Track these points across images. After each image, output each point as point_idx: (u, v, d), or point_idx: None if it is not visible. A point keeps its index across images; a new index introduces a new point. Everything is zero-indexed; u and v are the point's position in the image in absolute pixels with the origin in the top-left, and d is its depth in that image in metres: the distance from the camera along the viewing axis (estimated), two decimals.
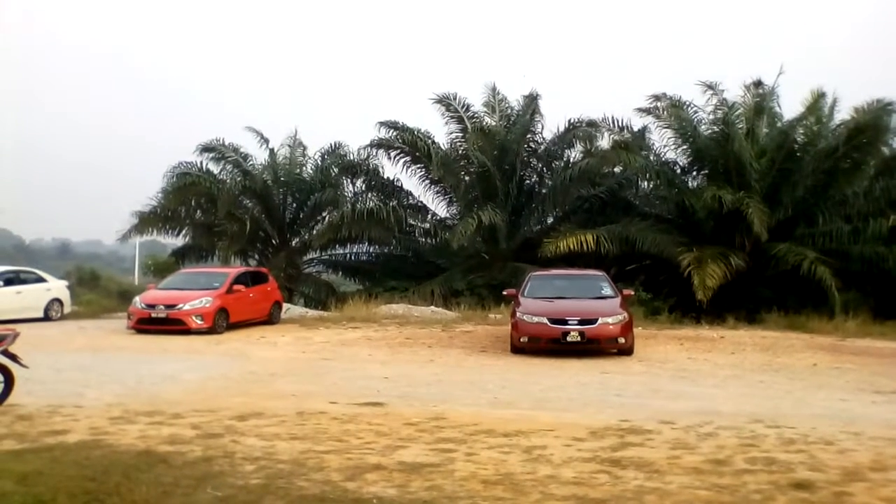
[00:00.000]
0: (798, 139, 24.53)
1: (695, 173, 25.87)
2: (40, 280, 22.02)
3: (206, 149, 28.03)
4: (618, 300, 15.24)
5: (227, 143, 28.43)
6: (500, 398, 10.28)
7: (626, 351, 14.48)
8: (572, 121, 26.42)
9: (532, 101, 26.71)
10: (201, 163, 27.77)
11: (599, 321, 14.20)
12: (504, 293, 17.38)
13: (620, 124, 25.72)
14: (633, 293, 17.26)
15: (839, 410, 9.68)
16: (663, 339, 16.72)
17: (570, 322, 14.16)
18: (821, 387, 11.75)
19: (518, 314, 14.77)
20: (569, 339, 14.07)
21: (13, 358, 9.01)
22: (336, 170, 28.27)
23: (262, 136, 28.94)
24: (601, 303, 15.12)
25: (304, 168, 29.40)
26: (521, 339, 14.50)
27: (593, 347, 14.32)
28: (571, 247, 22.36)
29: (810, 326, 19.03)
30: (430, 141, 26.91)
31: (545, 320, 14.26)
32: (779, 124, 25.17)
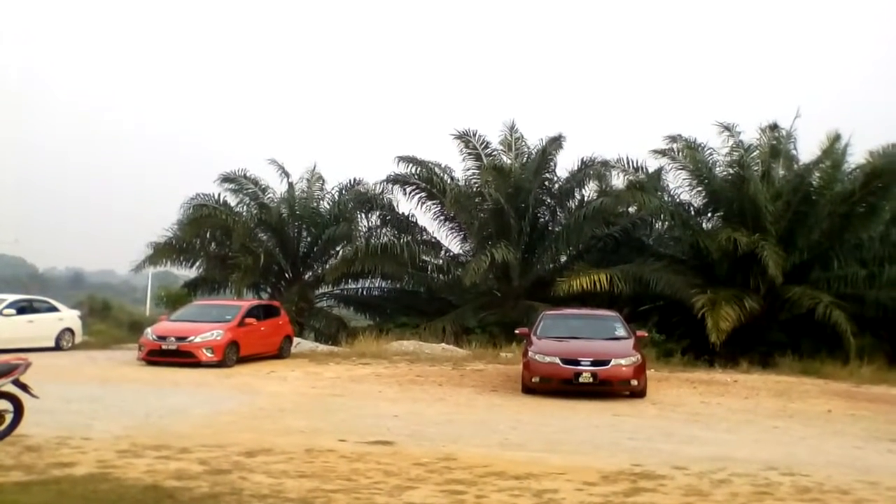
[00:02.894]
0: (814, 182, 24.44)
1: (710, 215, 25.81)
2: (53, 309, 22.10)
3: (226, 179, 28.31)
4: (631, 341, 15.11)
5: (247, 175, 28.69)
6: (510, 439, 10.17)
7: (639, 393, 14.32)
8: (585, 160, 26.52)
9: (553, 141, 26.76)
10: (218, 195, 28.02)
11: (612, 363, 14.06)
12: (516, 332, 17.27)
13: (635, 165, 25.74)
14: (646, 335, 17.12)
15: (854, 459, 9.53)
16: (676, 382, 16.56)
17: (582, 363, 14.03)
18: (836, 434, 11.58)
19: (530, 354, 14.65)
20: (581, 380, 13.93)
21: (24, 388, 8.98)
22: (352, 204, 28.37)
23: (283, 170, 29.21)
24: (614, 344, 15.00)
25: (321, 202, 29.55)
26: (533, 379, 14.37)
27: (605, 389, 14.16)
28: (585, 286, 22.32)
29: (825, 372, 18.81)
30: (445, 177, 27.07)
31: (557, 360, 14.14)
32: (795, 167, 25.07)
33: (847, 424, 12.54)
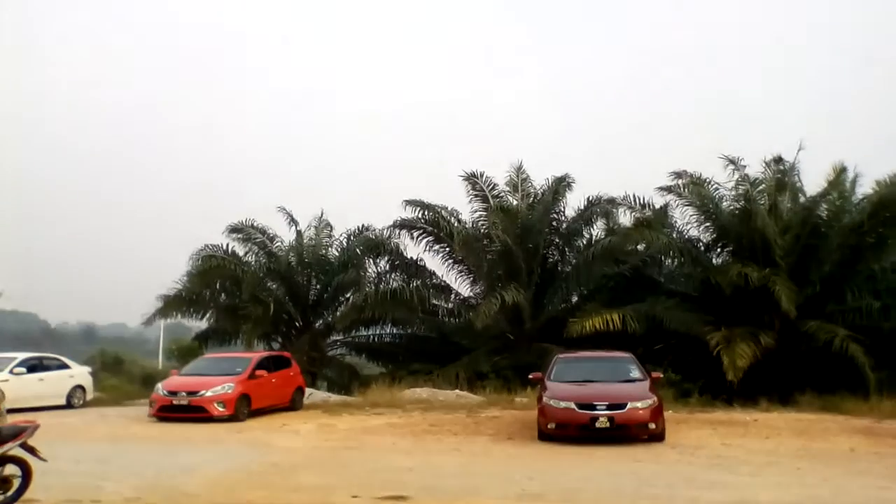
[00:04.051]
0: (822, 215, 24.33)
1: (719, 250, 25.67)
2: (63, 366, 22.03)
3: (234, 229, 28.37)
4: (647, 383, 14.88)
5: (255, 225, 28.79)
6: (528, 490, 9.96)
7: (658, 437, 14.04)
8: (591, 198, 26.52)
9: (560, 181, 26.79)
10: (227, 245, 28.10)
11: (629, 406, 13.82)
12: (530, 377, 17.05)
13: (642, 202, 25.72)
14: (661, 375, 16.86)
15: (880, 500, 9.31)
16: (695, 424, 16.28)
17: (598, 407, 13.78)
18: (860, 473, 11.36)
19: (545, 399, 14.43)
20: (598, 424, 13.67)
21: (32, 451, 8.92)
22: (360, 250, 28.36)
23: (291, 218, 29.23)
24: (630, 386, 14.77)
25: (330, 249, 29.56)
26: (549, 426, 14.13)
27: (623, 434, 13.89)
28: (598, 326, 22.15)
29: (845, 407, 18.49)
30: (453, 220, 27.07)
31: (573, 405, 13.89)
32: (802, 199, 24.99)
33: (871, 463, 12.31)
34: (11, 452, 8.79)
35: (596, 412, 13.75)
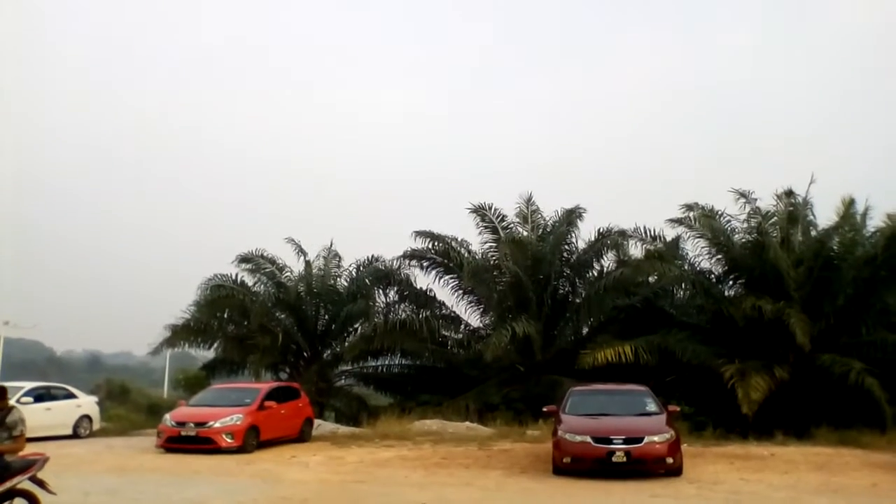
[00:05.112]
0: (834, 247, 24.18)
1: (731, 282, 25.44)
2: (70, 396, 21.89)
3: (243, 259, 28.32)
4: (663, 417, 14.65)
5: (264, 255, 28.73)
6: None
7: (675, 471, 13.78)
8: (602, 230, 26.36)
9: (571, 213, 26.73)
10: (236, 275, 28.02)
11: (645, 440, 13.58)
12: (544, 409, 16.82)
13: (652, 234, 25.64)
14: (678, 409, 16.60)
15: None
16: (711, 458, 16.00)
17: (614, 441, 13.54)
18: None
19: (559, 432, 14.19)
20: (614, 459, 13.42)
21: (41, 484, 8.81)
22: (369, 281, 28.22)
23: (300, 248, 29.16)
24: (646, 420, 14.54)
25: (339, 279, 29.45)
26: (564, 460, 13.88)
27: (640, 468, 13.62)
28: (609, 358, 21.93)
29: (863, 441, 18.18)
30: (462, 250, 26.97)
31: (588, 439, 13.66)
32: (813, 232, 24.86)
33: (894, 499, 12.03)
34: (21, 486, 8.67)
35: (612, 446, 13.52)
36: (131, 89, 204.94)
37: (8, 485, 8.55)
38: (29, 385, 21.07)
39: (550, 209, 27.70)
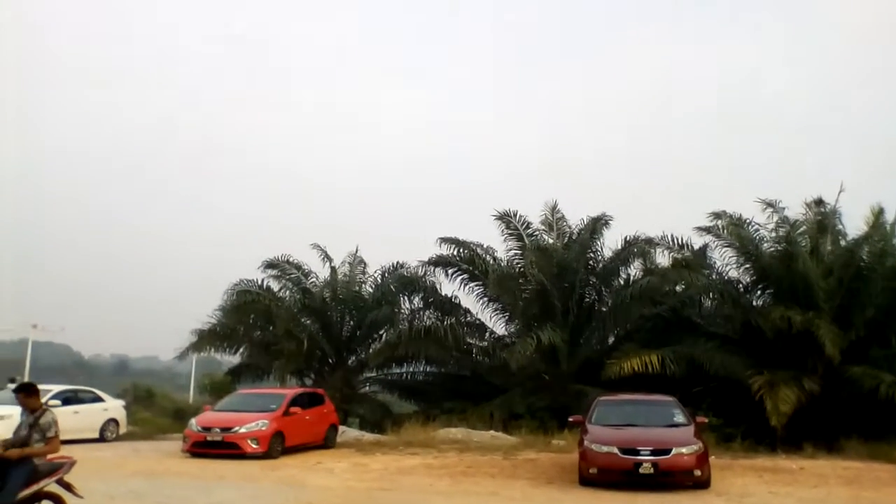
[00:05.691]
0: (864, 257, 23.81)
1: (759, 292, 25.20)
2: (97, 399, 22.06)
3: (269, 265, 28.43)
4: (691, 428, 14.46)
5: (290, 261, 28.83)
6: None
7: (703, 484, 13.57)
8: (628, 238, 26.16)
9: (597, 220, 26.61)
10: (262, 280, 28.15)
11: (673, 451, 13.40)
12: (570, 419, 16.70)
13: (679, 242, 25.45)
14: (706, 420, 16.41)
15: None
16: (739, 470, 15.79)
17: (642, 452, 13.37)
18: None
19: (586, 443, 14.06)
20: (641, 470, 13.25)
21: (68, 487, 8.86)
22: (394, 287, 28.23)
23: (326, 254, 29.26)
24: (674, 431, 14.37)
25: (364, 286, 29.52)
26: (591, 470, 13.73)
27: (668, 480, 13.44)
28: (636, 368, 21.72)
29: (894, 456, 17.83)
30: (488, 257, 26.89)
31: (615, 450, 13.50)
32: (843, 242, 24.54)
33: None
34: (48, 489, 8.71)
35: (640, 457, 13.35)
36: (155, 98, 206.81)
37: (35, 487, 8.59)
38: (57, 388, 21.26)
39: (576, 218, 27.62)
